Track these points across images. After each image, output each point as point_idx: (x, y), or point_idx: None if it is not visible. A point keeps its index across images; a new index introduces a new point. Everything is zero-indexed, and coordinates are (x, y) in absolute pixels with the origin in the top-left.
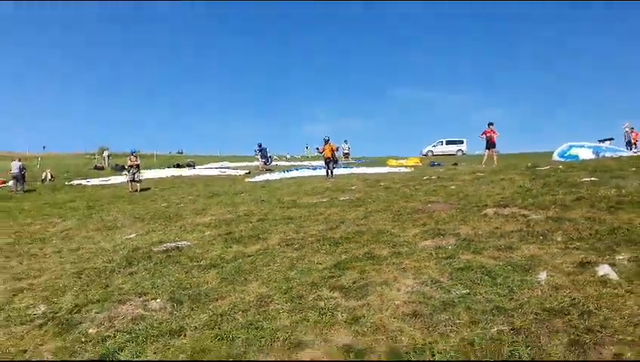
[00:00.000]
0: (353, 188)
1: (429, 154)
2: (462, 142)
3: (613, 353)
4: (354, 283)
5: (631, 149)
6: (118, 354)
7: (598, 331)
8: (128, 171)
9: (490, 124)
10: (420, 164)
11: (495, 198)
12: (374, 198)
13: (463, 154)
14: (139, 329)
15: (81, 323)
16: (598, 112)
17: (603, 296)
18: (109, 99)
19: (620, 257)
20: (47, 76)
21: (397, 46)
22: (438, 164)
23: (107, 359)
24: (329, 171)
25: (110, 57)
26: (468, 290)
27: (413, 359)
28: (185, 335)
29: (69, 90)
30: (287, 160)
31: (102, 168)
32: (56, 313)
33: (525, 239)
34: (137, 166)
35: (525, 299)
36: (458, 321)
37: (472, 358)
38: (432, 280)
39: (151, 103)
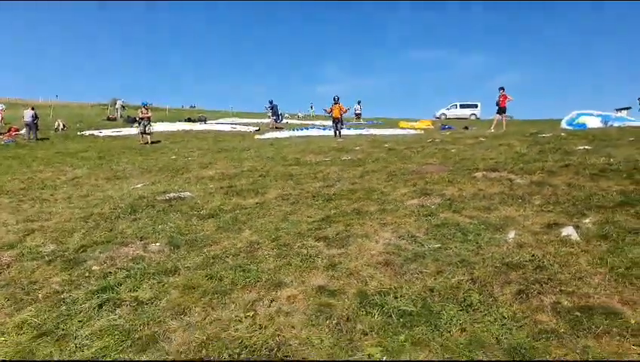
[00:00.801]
0: (357, 148)
1: (442, 117)
2: (476, 106)
3: (552, 301)
4: (337, 234)
5: None
6: (117, 288)
7: (545, 283)
8: (139, 123)
9: (502, 88)
10: (432, 127)
11: (488, 162)
12: (374, 159)
13: (477, 118)
14: (137, 268)
15: (85, 261)
16: (624, 79)
17: (560, 254)
18: (125, 50)
19: (587, 220)
20: (62, 25)
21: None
22: (449, 128)
23: (111, 296)
24: (337, 131)
25: (127, 10)
26: (440, 244)
27: (377, 301)
28: (178, 274)
29: (84, 40)
30: (299, 118)
31: (114, 119)
32: (64, 251)
33: (505, 201)
34: (148, 118)
35: (489, 255)
36: (425, 271)
37: (430, 302)
38: (408, 235)
39: (165, 57)
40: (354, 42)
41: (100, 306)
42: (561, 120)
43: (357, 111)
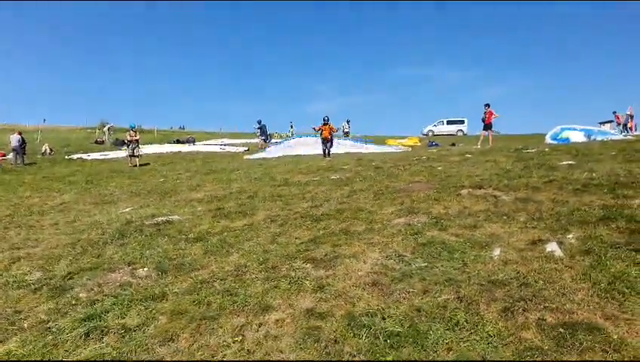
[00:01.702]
0: (345, 167)
1: (430, 133)
2: (462, 122)
3: (537, 318)
4: (325, 255)
5: (628, 133)
6: (104, 315)
7: (530, 300)
8: (128, 146)
9: (487, 105)
10: (419, 144)
11: (474, 179)
12: (362, 178)
13: (464, 134)
14: (125, 294)
15: (72, 288)
16: (609, 93)
17: (544, 270)
18: (113, 74)
19: (570, 236)
20: (49, 48)
21: (401, 24)
22: (436, 144)
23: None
24: (327, 151)
25: (114, 32)
26: (426, 263)
27: (365, 322)
28: (166, 300)
29: (72, 64)
30: (288, 138)
31: (102, 142)
32: (51, 279)
33: (490, 218)
34: (137, 141)
35: (475, 272)
36: (412, 290)
37: (417, 322)
38: (395, 254)
39: (153, 79)
40: (342, 61)
41: (87, 334)
42: (545, 134)
43: (345, 130)
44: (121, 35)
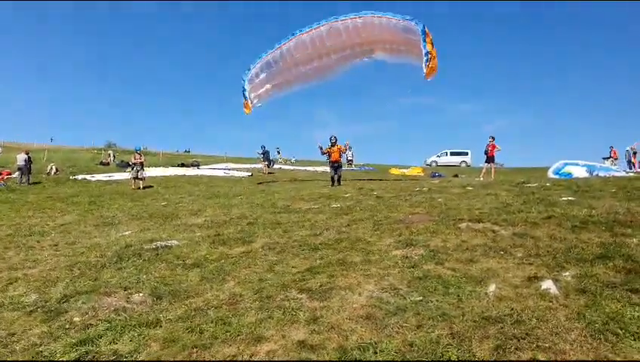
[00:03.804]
0: (346, 195)
1: (433, 164)
2: (466, 154)
3: (529, 357)
4: (320, 286)
5: (631, 169)
6: (97, 340)
7: (523, 338)
8: (132, 168)
9: (492, 138)
10: (422, 174)
11: (473, 213)
12: (363, 207)
13: (467, 165)
14: (119, 319)
15: (67, 311)
16: (615, 129)
17: (538, 308)
18: (121, 95)
19: (566, 273)
20: (59, 69)
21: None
22: (440, 175)
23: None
24: (335, 177)
25: (122, 55)
26: (421, 297)
27: (357, 356)
28: (160, 326)
29: (80, 84)
30: (292, 163)
31: (107, 164)
32: (47, 302)
33: (487, 253)
34: (141, 163)
35: (470, 308)
36: (405, 324)
37: (409, 358)
38: (391, 287)
39: (161, 102)
40: (342, 92)
41: (78, 360)
42: (548, 168)
43: (349, 158)
44: (133, 55)
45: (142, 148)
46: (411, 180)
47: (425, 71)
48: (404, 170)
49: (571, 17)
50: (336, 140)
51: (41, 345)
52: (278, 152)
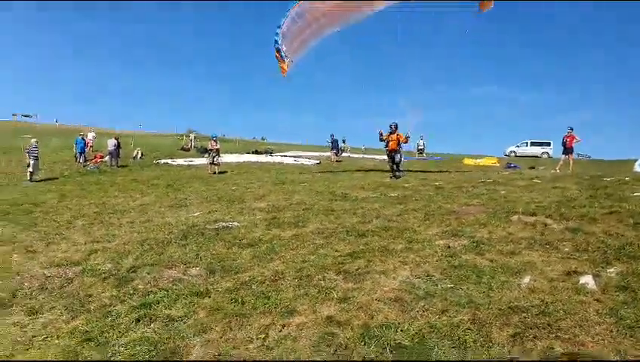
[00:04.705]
0: (407, 185)
1: (512, 154)
2: (548, 145)
3: (545, 345)
4: (358, 269)
5: None
6: (155, 305)
7: (544, 328)
8: (208, 154)
9: (570, 128)
10: (497, 165)
11: (530, 206)
12: (420, 197)
13: (549, 156)
14: (175, 289)
15: (134, 280)
16: None
17: (569, 302)
18: (204, 86)
19: (611, 270)
20: (150, 61)
21: (483, 43)
22: (514, 166)
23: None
24: (395, 167)
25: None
26: (452, 285)
27: (378, 333)
28: (209, 296)
29: (168, 75)
30: (363, 152)
31: (188, 150)
32: (118, 271)
33: (531, 246)
34: (217, 150)
35: (498, 298)
36: (431, 309)
37: (427, 339)
38: (425, 274)
39: (244, 88)
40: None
41: (138, 320)
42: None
43: (420, 147)
44: (219, 46)
45: (218, 136)
46: (483, 171)
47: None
48: (478, 161)
49: None
50: (396, 127)
51: (110, 306)
52: (344, 142)
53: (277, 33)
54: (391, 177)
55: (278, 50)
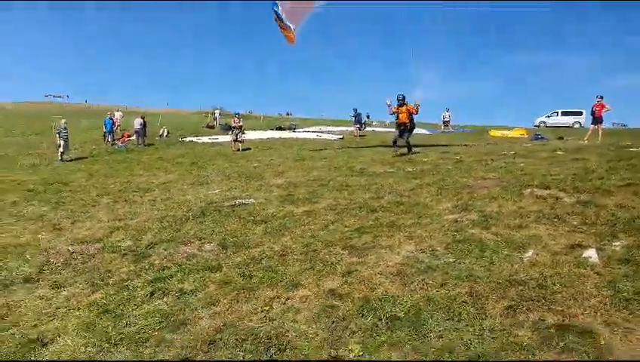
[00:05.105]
0: (426, 159)
1: (542, 125)
2: (580, 114)
3: (537, 318)
4: (364, 244)
5: None
6: (168, 279)
7: (538, 301)
8: (232, 131)
9: (600, 97)
10: (525, 136)
11: (546, 178)
12: (437, 172)
13: (581, 126)
14: (188, 264)
15: (151, 255)
16: None
17: (569, 275)
18: (231, 58)
19: (617, 243)
20: (178, 41)
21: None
22: (542, 137)
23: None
24: (401, 142)
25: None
26: (454, 259)
27: (376, 306)
28: (220, 271)
29: (196, 54)
30: (386, 126)
31: (213, 127)
32: (137, 247)
33: (539, 220)
34: (240, 127)
35: (499, 271)
36: (430, 282)
37: (423, 311)
38: (429, 248)
39: (265, 64)
40: (449, 46)
41: (152, 294)
42: None
43: (445, 119)
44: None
45: (240, 113)
46: (509, 143)
47: None
48: (506, 132)
49: None
50: (404, 99)
51: (127, 280)
52: (368, 117)
53: (275, 3)
54: (394, 151)
55: (280, 19)
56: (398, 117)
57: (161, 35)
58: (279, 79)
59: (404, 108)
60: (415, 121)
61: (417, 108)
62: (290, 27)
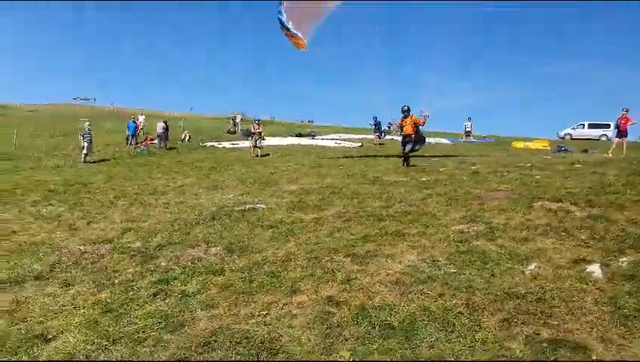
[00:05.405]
0: (442, 169)
1: (567, 137)
2: (608, 126)
3: (531, 331)
4: (366, 252)
5: None
6: (172, 281)
7: (534, 314)
8: (251, 137)
9: (625, 110)
10: (548, 148)
11: (560, 192)
12: (450, 182)
13: (608, 139)
14: (193, 267)
15: (158, 257)
16: None
17: (569, 290)
18: (254, 66)
19: (624, 259)
20: (201, 46)
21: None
22: (565, 150)
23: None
24: (407, 151)
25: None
26: (455, 270)
27: (372, 314)
28: (223, 274)
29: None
30: None
31: (234, 132)
32: (146, 249)
33: (546, 233)
34: (260, 133)
35: (499, 284)
36: (428, 292)
37: (419, 320)
38: (431, 258)
39: (287, 72)
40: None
41: (155, 295)
42: None
43: (467, 129)
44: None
45: (261, 119)
46: (530, 154)
47: None
48: (529, 143)
49: None
50: (409, 110)
51: (132, 281)
52: (389, 126)
53: (280, 11)
54: (403, 164)
55: (287, 29)
56: (402, 129)
57: (183, 38)
58: (299, 86)
59: (408, 120)
60: (421, 131)
61: (425, 119)
62: (297, 35)
